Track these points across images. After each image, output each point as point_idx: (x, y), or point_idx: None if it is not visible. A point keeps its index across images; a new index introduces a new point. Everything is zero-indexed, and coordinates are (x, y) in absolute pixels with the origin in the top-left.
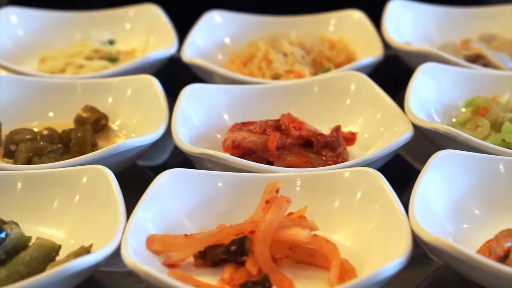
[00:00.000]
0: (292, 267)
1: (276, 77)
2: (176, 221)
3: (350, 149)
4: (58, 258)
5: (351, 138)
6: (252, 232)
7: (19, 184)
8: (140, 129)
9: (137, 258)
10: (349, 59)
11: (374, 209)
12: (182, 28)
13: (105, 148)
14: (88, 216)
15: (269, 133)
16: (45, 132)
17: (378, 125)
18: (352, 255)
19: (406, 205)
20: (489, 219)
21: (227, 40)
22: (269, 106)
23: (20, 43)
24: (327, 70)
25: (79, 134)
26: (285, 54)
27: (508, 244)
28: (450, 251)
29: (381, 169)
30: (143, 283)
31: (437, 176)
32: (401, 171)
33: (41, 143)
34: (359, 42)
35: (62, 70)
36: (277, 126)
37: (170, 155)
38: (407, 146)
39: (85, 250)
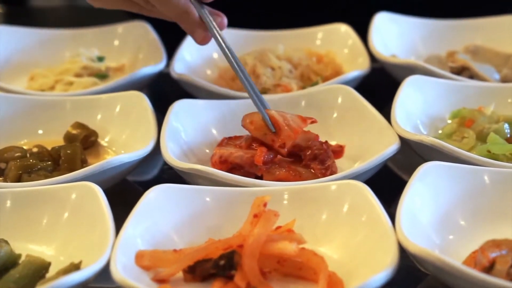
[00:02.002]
0: (281, 280)
1: (264, 91)
2: (165, 236)
3: (338, 161)
4: (48, 275)
5: (339, 151)
6: (241, 246)
7: (9, 202)
8: (129, 145)
9: (126, 274)
10: (337, 72)
11: (361, 221)
12: (171, 44)
13: (95, 165)
14: (78, 233)
15: (255, 148)
16: (35, 150)
17: (365, 138)
18: (340, 267)
19: (394, 216)
20: (475, 230)
21: (215, 55)
22: None
23: (9, 61)
24: (315, 83)
25: (68, 151)
26: (273, 69)
27: (493, 255)
28: (436, 262)
29: (369, 181)
30: None
31: (423, 188)
32: (389, 182)
33: (31, 160)
34: (346, 56)
35: (52, 88)
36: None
37: (159, 170)
38: (395, 157)
39: (75, 267)
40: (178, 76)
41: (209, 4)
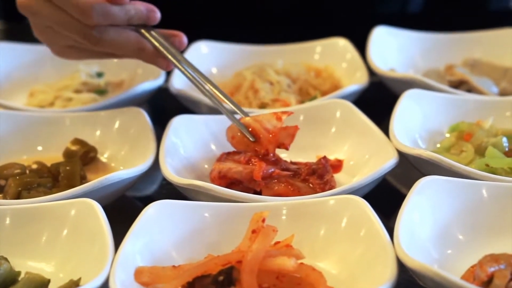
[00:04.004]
0: None
1: (262, 106)
2: (164, 252)
3: (337, 176)
4: None
5: (337, 166)
6: (239, 262)
7: (8, 219)
8: (128, 161)
9: None
10: (335, 86)
11: (359, 236)
12: None
13: (94, 181)
14: (77, 250)
15: (254, 163)
16: (34, 166)
17: (363, 152)
18: (339, 282)
19: (392, 230)
20: (473, 245)
21: (214, 70)
22: None
23: (9, 77)
24: (313, 98)
25: (67, 168)
26: (271, 83)
27: (492, 269)
28: (435, 277)
29: (368, 195)
30: None
31: (422, 202)
32: (387, 196)
33: (30, 177)
34: (345, 70)
35: (51, 104)
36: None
37: (159, 185)
38: (393, 172)
39: (74, 284)
40: (177, 92)
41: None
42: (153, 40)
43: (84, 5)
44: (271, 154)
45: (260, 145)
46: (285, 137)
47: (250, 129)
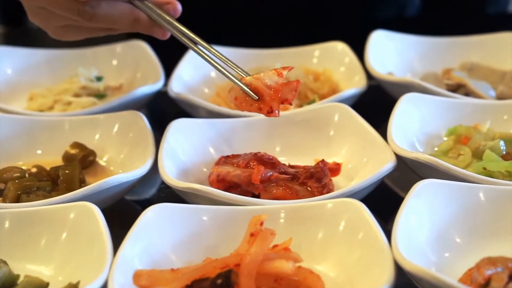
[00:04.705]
0: None
1: None
2: (163, 255)
3: (335, 179)
4: None
5: (335, 169)
6: (238, 265)
7: (7, 223)
8: (127, 164)
9: None
10: (333, 90)
11: (357, 239)
12: (169, 63)
13: (93, 185)
14: (76, 253)
15: (253, 167)
16: (34, 170)
17: (361, 156)
18: (337, 285)
19: (390, 233)
20: (471, 248)
21: (213, 74)
22: (255, 139)
23: (8, 81)
24: (312, 102)
25: (67, 171)
26: None
27: (489, 272)
28: (432, 280)
29: (366, 198)
30: None
31: (419, 206)
32: (385, 199)
33: (29, 181)
34: (343, 73)
35: (51, 108)
36: (260, 158)
37: (157, 189)
38: (391, 175)
39: (73, 287)
40: (176, 95)
41: None
42: (147, 10)
43: None
44: (275, 112)
45: (264, 103)
46: (288, 92)
47: (252, 88)
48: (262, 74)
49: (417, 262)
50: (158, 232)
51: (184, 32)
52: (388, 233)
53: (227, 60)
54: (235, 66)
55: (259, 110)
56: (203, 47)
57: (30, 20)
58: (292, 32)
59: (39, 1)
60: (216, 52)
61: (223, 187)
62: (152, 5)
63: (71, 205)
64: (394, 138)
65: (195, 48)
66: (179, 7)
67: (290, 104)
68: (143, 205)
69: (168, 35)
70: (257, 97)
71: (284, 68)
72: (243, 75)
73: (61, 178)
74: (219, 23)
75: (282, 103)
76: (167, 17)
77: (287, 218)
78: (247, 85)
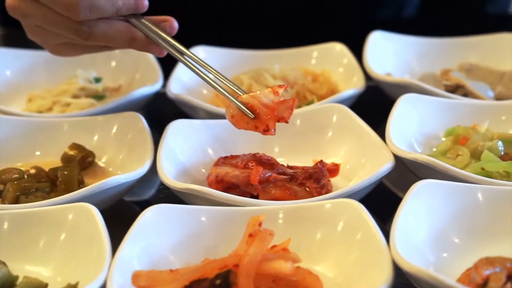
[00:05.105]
0: None
1: None
2: (161, 256)
3: (333, 180)
4: None
5: (334, 170)
6: (236, 265)
7: (6, 224)
8: (126, 165)
9: None
10: (332, 91)
11: (355, 240)
12: (167, 64)
13: (91, 186)
14: (74, 254)
15: (251, 167)
16: (32, 171)
17: (360, 156)
18: (335, 286)
19: (389, 234)
20: (469, 248)
21: (211, 75)
22: (253, 140)
23: (7, 82)
24: (310, 102)
25: (65, 172)
26: None
27: (487, 272)
28: (430, 280)
29: (364, 199)
30: None
31: (417, 206)
32: (383, 200)
33: (28, 182)
34: (341, 74)
35: (49, 109)
36: (259, 159)
37: (156, 190)
38: (390, 175)
39: None
40: (174, 96)
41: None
42: (144, 28)
43: (70, 2)
44: (271, 131)
45: (260, 121)
46: (284, 110)
47: (248, 106)
48: (258, 92)
49: (415, 262)
50: (157, 233)
51: (183, 51)
52: (386, 234)
53: (224, 78)
54: (232, 84)
55: (256, 129)
56: (201, 66)
57: (30, 39)
58: (291, 33)
59: (36, 20)
60: (212, 71)
61: (222, 188)
62: (149, 23)
63: (70, 206)
64: (393, 138)
65: (193, 67)
66: (175, 24)
67: (287, 122)
68: (142, 206)
69: (165, 53)
70: (253, 116)
71: (280, 86)
72: (240, 93)
73: (60, 179)
74: (219, 23)
75: (278, 121)
76: (164, 35)
77: (285, 219)
78: (243, 104)
